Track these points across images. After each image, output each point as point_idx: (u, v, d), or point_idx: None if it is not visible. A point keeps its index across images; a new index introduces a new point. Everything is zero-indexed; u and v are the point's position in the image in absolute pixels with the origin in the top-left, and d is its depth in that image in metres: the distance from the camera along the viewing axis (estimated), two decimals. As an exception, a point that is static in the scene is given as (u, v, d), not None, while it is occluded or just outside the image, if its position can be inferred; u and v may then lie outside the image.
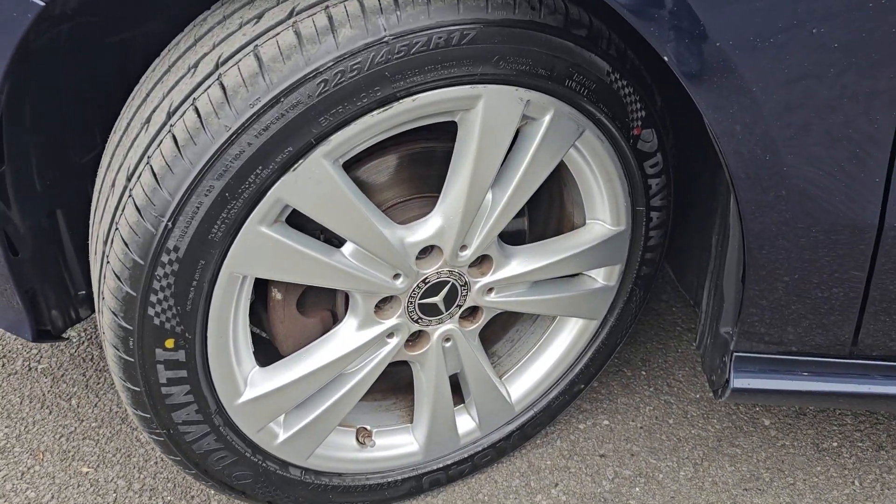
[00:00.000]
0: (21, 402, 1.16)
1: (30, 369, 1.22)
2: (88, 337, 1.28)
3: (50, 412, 1.14)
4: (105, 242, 0.69)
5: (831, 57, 0.63)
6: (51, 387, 1.18)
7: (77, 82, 0.85)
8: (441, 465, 0.98)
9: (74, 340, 1.27)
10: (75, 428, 1.11)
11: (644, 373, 1.20)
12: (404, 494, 0.98)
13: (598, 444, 1.08)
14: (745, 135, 0.66)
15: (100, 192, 0.74)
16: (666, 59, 0.64)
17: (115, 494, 1.02)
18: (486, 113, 0.72)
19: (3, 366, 1.22)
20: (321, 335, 0.84)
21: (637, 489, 1.02)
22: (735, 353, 0.84)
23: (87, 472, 1.05)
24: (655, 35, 0.64)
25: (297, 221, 0.74)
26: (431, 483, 0.99)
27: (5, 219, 0.82)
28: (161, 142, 0.65)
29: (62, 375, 1.21)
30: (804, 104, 0.65)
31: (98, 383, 1.18)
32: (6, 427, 1.11)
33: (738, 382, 0.84)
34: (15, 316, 0.90)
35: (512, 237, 0.93)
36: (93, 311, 1.00)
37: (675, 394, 1.17)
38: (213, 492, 1.01)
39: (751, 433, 1.10)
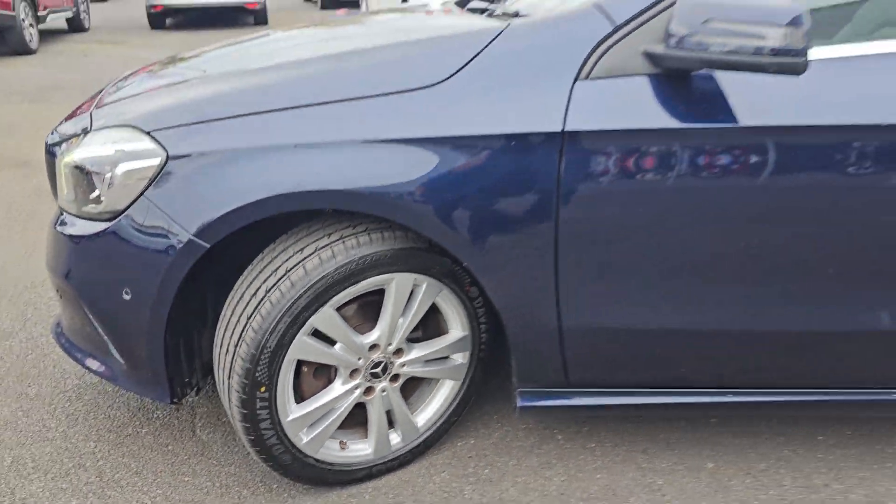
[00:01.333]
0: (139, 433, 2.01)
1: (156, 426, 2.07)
2: (174, 408, 2.15)
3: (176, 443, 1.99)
4: (236, 345, 1.61)
5: (531, 254, 1.62)
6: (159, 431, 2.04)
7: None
8: (382, 461, 1.88)
9: (172, 409, 2.13)
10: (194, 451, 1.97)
11: (496, 416, 2.14)
12: (364, 476, 1.86)
13: (466, 450, 2.00)
14: (495, 289, 1.64)
15: (227, 323, 1.66)
16: (465, 263, 1.63)
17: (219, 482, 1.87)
18: (397, 285, 1.69)
19: (143, 418, 2.08)
20: (324, 388, 1.76)
21: (487, 470, 1.93)
22: (518, 389, 1.79)
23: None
24: (461, 255, 1.62)
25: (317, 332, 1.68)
26: (378, 471, 1.88)
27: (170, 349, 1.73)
28: (264, 303, 1.59)
29: (169, 423, 2.06)
30: (516, 272, 1.62)
31: (193, 428, 2.05)
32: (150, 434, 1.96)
33: (521, 403, 1.79)
34: (161, 392, 1.79)
35: (413, 339, 1.88)
36: (192, 389, 1.89)
37: (511, 425, 2.10)
38: (275, 474, 1.87)
39: (546, 443, 2.03)
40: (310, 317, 1.62)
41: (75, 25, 11.15)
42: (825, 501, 1.81)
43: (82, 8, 11.32)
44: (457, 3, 2.16)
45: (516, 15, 1.85)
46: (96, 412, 2.17)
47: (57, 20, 10.18)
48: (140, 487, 1.87)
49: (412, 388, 1.96)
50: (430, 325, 1.91)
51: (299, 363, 1.72)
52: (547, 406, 1.79)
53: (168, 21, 12.17)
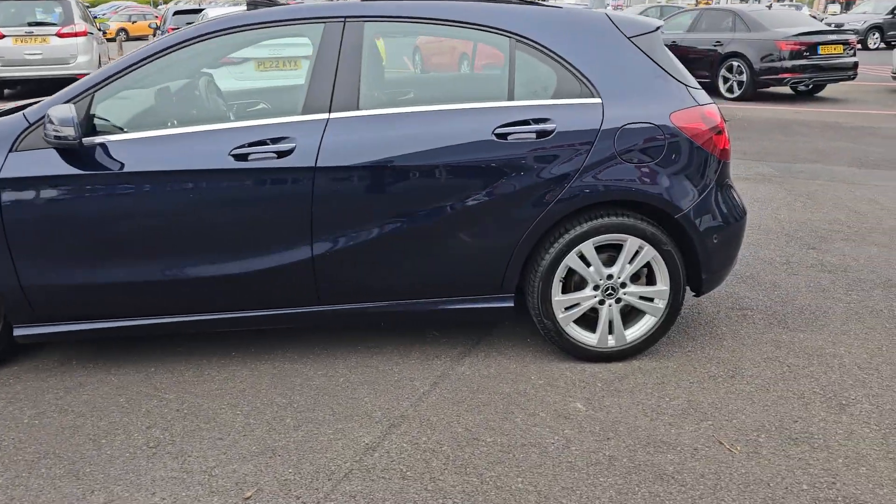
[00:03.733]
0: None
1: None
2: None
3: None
4: None
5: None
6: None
7: None
8: None
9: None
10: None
11: (57, 351, 3.45)
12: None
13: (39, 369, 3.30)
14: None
15: None
16: (-37, 251, 2.96)
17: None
18: None
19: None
20: None
21: (31, 375, 3.23)
22: (14, 325, 3.11)
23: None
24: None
25: None
26: None
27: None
28: None
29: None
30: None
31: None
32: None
33: (16, 334, 3.11)
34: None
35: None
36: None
37: (54, 356, 3.41)
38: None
39: (63, 366, 3.35)
40: None
41: None
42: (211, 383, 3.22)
43: (-82, 82, 12.18)
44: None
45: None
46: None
47: None
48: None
49: None
50: None
51: None
52: (24, 335, 3.13)
53: (6, 91, 13.16)
